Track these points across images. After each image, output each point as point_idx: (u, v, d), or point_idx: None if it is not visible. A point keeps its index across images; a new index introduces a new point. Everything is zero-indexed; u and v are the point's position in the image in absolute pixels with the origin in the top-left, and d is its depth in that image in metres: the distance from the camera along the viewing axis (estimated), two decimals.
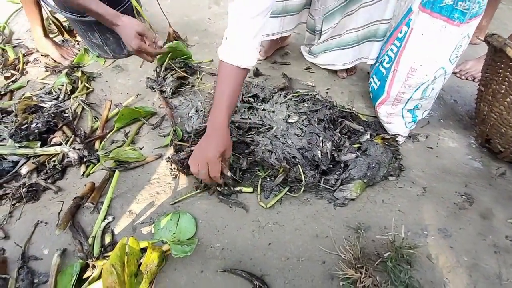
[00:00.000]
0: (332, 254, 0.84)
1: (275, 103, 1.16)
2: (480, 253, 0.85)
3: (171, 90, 1.27)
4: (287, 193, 0.96)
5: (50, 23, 1.59)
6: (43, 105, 1.18)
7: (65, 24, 1.55)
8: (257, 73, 1.37)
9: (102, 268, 0.75)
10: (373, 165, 0.98)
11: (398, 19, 1.09)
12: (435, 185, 1.01)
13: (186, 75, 1.34)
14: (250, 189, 0.97)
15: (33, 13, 1.34)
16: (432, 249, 0.86)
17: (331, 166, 1.01)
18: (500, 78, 0.97)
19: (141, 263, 0.74)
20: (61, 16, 1.46)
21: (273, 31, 1.21)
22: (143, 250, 0.77)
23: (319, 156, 0.98)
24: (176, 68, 1.32)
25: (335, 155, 1.01)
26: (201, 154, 0.83)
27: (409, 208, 0.94)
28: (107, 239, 0.84)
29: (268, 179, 0.99)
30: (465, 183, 1.02)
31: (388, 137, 1.10)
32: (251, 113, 1.12)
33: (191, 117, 1.14)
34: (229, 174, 0.88)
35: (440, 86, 1.04)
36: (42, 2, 1.28)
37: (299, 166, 0.96)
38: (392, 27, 1.13)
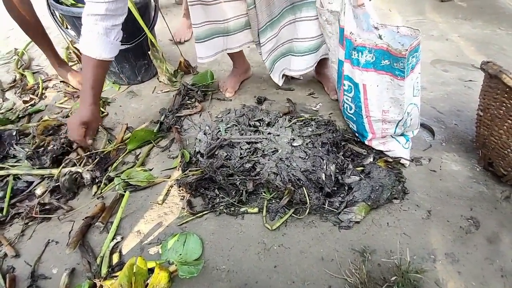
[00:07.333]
0: (338, 278, 0.84)
1: (280, 127, 1.20)
2: (487, 278, 0.84)
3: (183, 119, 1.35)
4: (292, 215, 0.97)
5: (70, 52, 1.71)
6: (60, 127, 1.25)
7: None
8: (261, 100, 1.43)
9: None
10: (377, 187, 1.00)
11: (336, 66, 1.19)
12: (439, 208, 1.01)
13: (198, 101, 1.42)
14: (255, 210, 0.98)
15: (43, 47, 1.42)
16: (440, 274, 0.85)
17: (335, 188, 1.03)
18: (498, 103, 1.01)
19: (147, 284, 0.75)
20: None
21: (218, 49, 1.30)
22: (150, 270, 0.78)
23: (323, 178, 1.00)
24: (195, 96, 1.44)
25: (339, 177, 1.03)
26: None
27: (414, 232, 0.94)
28: (115, 259, 0.86)
29: (273, 201, 1.01)
30: (470, 206, 1.02)
31: (391, 160, 1.12)
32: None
33: (200, 140, 1.19)
34: (89, 142, 1.07)
35: (418, 112, 1.08)
36: (63, 32, 1.39)
37: (303, 188, 0.98)
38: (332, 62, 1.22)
